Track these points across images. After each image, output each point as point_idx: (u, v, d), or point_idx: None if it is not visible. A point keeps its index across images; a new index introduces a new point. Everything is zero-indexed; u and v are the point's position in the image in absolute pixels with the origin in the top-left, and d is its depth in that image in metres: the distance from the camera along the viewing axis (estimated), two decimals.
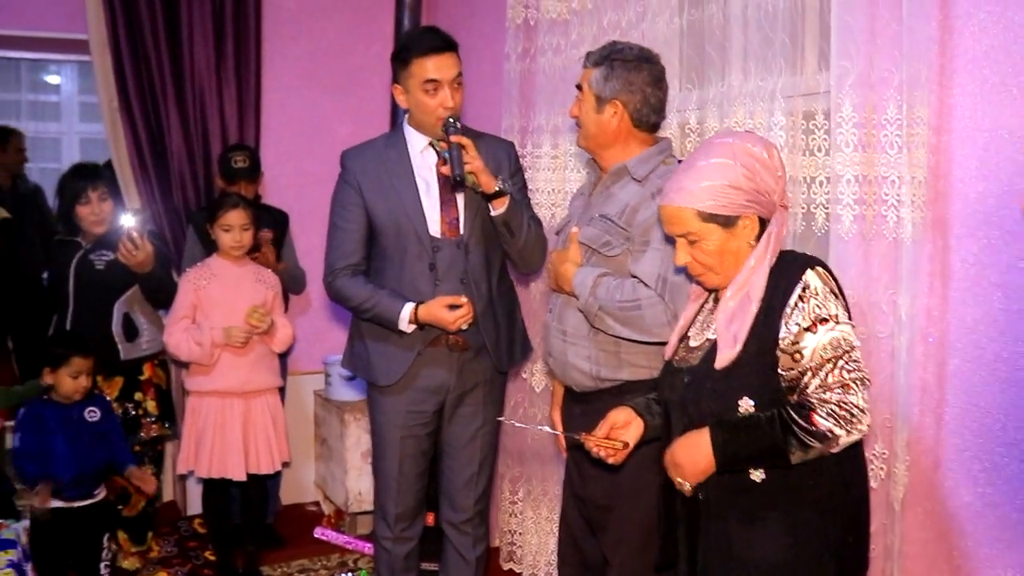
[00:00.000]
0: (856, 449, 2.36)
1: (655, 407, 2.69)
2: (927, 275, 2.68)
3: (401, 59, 3.48)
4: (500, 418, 3.53)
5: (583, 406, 3.13)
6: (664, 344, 2.93)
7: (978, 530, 2.60)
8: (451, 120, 3.39)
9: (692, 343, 2.55)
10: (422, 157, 3.58)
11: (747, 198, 2.35)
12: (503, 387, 3.82)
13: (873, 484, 2.77)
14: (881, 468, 2.77)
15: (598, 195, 3.17)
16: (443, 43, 3.45)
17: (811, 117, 3.02)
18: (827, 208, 2.93)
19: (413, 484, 3.74)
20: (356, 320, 3.71)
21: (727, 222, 2.37)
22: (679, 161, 3.11)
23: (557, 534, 3.58)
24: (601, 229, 3.06)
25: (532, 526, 4.66)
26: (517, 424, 3.09)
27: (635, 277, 2.95)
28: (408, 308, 3.47)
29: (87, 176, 4.62)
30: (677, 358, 2.58)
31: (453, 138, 3.35)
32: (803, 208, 3.07)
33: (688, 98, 3.52)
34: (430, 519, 4.44)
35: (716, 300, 2.51)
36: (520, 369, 4.46)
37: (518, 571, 4.78)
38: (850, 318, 2.34)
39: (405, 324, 3.48)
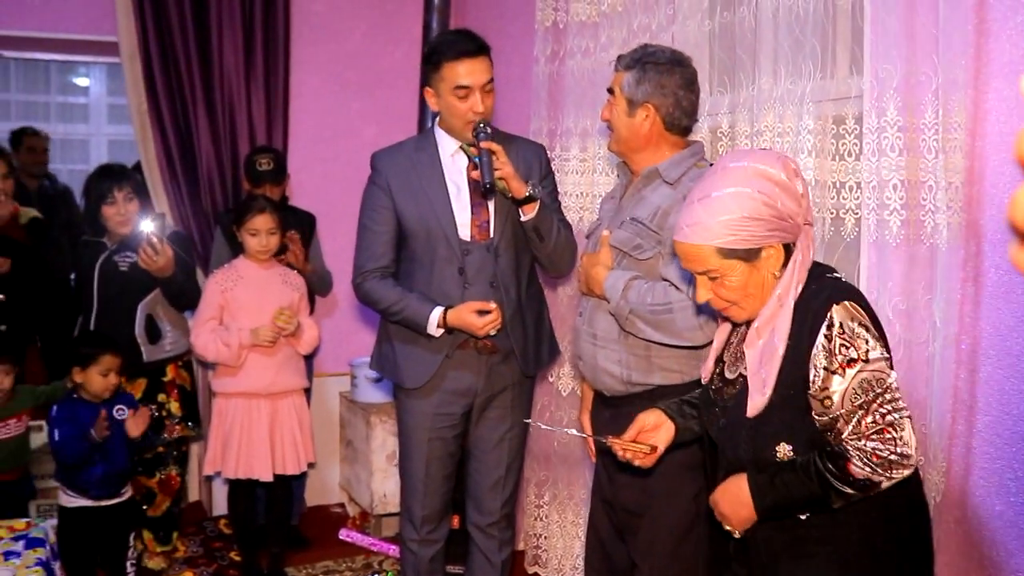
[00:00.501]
0: (908, 482, 2.25)
1: (688, 409, 2.63)
2: (960, 281, 2.66)
3: (432, 62, 3.46)
4: (527, 420, 3.52)
5: (613, 410, 3.12)
6: (695, 348, 2.92)
7: (1009, 539, 2.57)
8: (481, 125, 3.39)
9: (728, 374, 2.47)
10: (452, 160, 3.56)
11: (768, 227, 2.22)
12: (531, 391, 3.80)
13: None
14: None
15: (629, 198, 3.15)
16: (475, 47, 3.42)
17: (841, 122, 2.99)
18: (856, 213, 2.91)
19: (440, 486, 3.73)
20: (384, 322, 3.71)
21: (749, 255, 2.25)
22: (711, 164, 3.10)
23: (583, 538, 3.57)
24: (632, 232, 3.05)
25: (558, 530, 4.65)
26: (544, 427, 3.06)
27: (666, 280, 2.94)
28: (437, 312, 3.46)
29: (113, 176, 4.64)
30: (713, 388, 2.52)
31: (483, 144, 3.33)
32: (832, 213, 3.04)
33: (719, 101, 3.50)
34: (455, 521, 4.44)
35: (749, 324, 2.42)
36: (547, 372, 4.45)
37: (543, 575, 4.77)
38: (886, 347, 2.23)
39: (433, 328, 3.47)
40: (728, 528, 2.39)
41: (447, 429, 3.67)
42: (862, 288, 2.65)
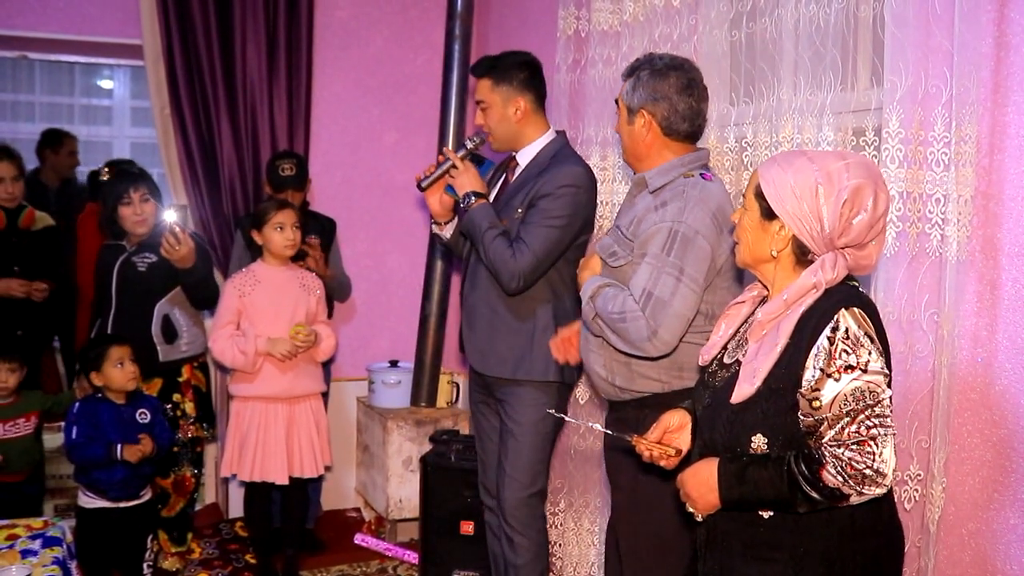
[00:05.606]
0: (881, 503, 2.23)
1: None
2: (975, 295, 2.65)
3: None
4: (550, 411, 3.53)
5: (615, 414, 3.18)
6: (649, 359, 2.95)
7: (1021, 554, 2.57)
8: (470, 138, 3.74)
9: (727, 358, 2.45)
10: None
11: (793, 209, 2.21)
12: (530, 397, 3.73)
13: (907, 506, 2.74)
14: (916, 490, 2.74)
15: (624, 205, 3.20)
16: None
17: (861, 134, 2.96)
18: None
19: (488, 458, 3.94)
20: None
21: (767, 213, 2.27)
22: (703, 175, 3.06)
23: (598, 545, 3.56)
24: (612, 239, 3.10)
25: (573, 537, 4.64)
26: (567, 419, 3.06)
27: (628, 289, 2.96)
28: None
29: (129, 178, 4.69)
30: (709, 371, 2.50)
31: (446, 151, 3.73)
32: None
33: (742, 112, 3.49)
34: (469, 528, 4.46)
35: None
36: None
37: None
38: (887, 364, 2.20)
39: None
40: (691, 510, 2.39)
41: (482, 404, 3.89)
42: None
